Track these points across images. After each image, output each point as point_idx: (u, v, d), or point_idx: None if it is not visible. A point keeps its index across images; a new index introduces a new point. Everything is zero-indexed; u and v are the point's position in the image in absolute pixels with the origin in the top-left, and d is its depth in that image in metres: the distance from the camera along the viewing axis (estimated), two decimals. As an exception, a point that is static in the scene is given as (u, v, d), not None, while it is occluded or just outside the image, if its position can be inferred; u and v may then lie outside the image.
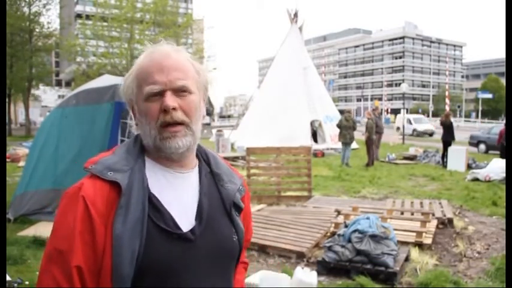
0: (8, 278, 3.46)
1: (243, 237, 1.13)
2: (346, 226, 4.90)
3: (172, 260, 0.98)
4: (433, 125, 33.17)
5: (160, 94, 1.01)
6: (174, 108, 1.01)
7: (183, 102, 1.03)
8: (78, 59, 28.64)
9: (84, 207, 0.95)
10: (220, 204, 1.10)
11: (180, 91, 1.03)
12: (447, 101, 50.24)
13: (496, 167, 10.42)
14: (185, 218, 1.03)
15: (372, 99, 70.22)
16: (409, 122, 31.66)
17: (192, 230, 1.02)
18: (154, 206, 1.00)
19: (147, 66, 1.03)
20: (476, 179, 10.49)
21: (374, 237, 4.47)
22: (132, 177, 0.99)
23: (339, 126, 13.80)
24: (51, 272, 0.94)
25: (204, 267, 1.03)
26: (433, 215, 6.36)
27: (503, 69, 64.22)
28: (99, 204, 0.96)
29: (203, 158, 1.16)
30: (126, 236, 0.94)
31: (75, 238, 0.94)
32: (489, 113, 62.24)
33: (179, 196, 1.05)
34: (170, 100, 1.00)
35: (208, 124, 53.96)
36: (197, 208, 1.05)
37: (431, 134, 30.60)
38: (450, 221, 6.32)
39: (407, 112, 34.22)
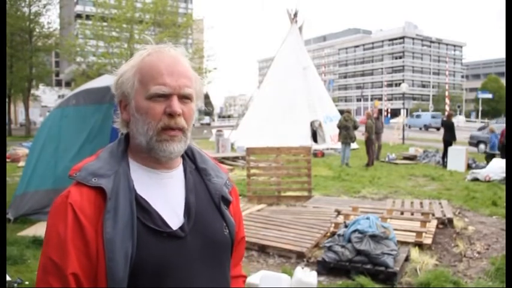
0: (8, 278, 3.47)
1: (234, 230, 1.13)
2: (346, 226, 4.90)
3: (164, 258, 0.99)
4: None
5: (166, 97, 1.02)
6: (179, 114, 1.02)
7: (186, 109, 1.04)
8: (78, 59, 28.58)
9: (73, 214, 0.95)
10: (208, 199, 1.11)
11: (185, 98, 1.04)
12: (447, 101, 50.17)
13: (496, 167, 10.43)
14: (174, 216, 1.04)
15: (372, 99, 70.19)
16: None
17: (181, 227, 1.03)
18: (142, 207, 1.00)
19: (156, 66, 1.03)
20: (476, 179, 10.50)
21: (374, 237, 4.47)
22: (117, 181, 1.00)
23: (339, 126, 13.81)
24: (47, 281, 0.94)
25: (198, 263, 1.03)
26: (433, 215, 6.36)
27: (503, 69, 64.24)
28: (88, 210, 0.96)
29: (188, 155, 1.16)
30: (117, 239, 0.94)
31: (67, 246, 0.94)
32: (489, 113, 62.22)
33: (166, 195, 1.06)
34: (177, 106, 1.02)
35: (208, 124, 54.01)
36: (185, 205, 1.06)
37: None
38: (450, 221, 6.32)
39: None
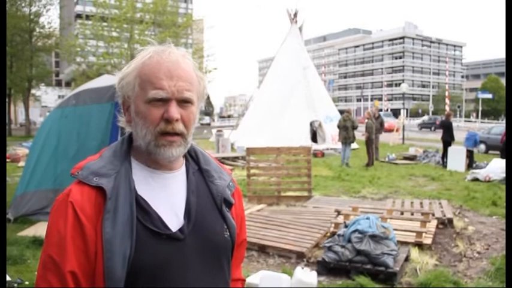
0: (8, 278, 3.47)
1: (235, 232, 1.12)
2: (346, 226, 4.90)
3: (163, 260, 0.99)
4: None
5: (164, 101, 1.01)
6: (176, 120, 1.01)
7: (185, 113, 1.03)
8: (78, 59, 28.59)
9: (73, 213, 0.96)
10: (210, 201, 1.10)
11: (185, 102, 1.03)
12: (447, 101, 50.23)
13: (496, 167, 10.43)
14: (174, 217, 1.04)
15: (372, 99, 70.19)
16: None
17: (181, 229, 1.02)
18: (142, 207, 1.00)
19: (155, 69, 1.02)
20: (476, 179, 10.50)
21: (374, 237, 4.47)
22: (118, 181, 1.00)
23: (338, 126, 13.82)
24: (46, 278, 0.95)
25: (196, 265, 1.03)
26: (433, 215, 6.35)
27: (503, 69, 64.24)
28: (88, 209, 0.97)
29: (191, 156, 1.15)
30: (116, 239, 0.94)
31: (66, 244, 0.94)
32: (489, 113, 62.25)
33: (167, 196, 1.05)
34: (175, 111, 1.01)
35: (208, 124, 54.00)
36: (185, 207, 1.06)
37: None
38: (450, 221, 6.32)
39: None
